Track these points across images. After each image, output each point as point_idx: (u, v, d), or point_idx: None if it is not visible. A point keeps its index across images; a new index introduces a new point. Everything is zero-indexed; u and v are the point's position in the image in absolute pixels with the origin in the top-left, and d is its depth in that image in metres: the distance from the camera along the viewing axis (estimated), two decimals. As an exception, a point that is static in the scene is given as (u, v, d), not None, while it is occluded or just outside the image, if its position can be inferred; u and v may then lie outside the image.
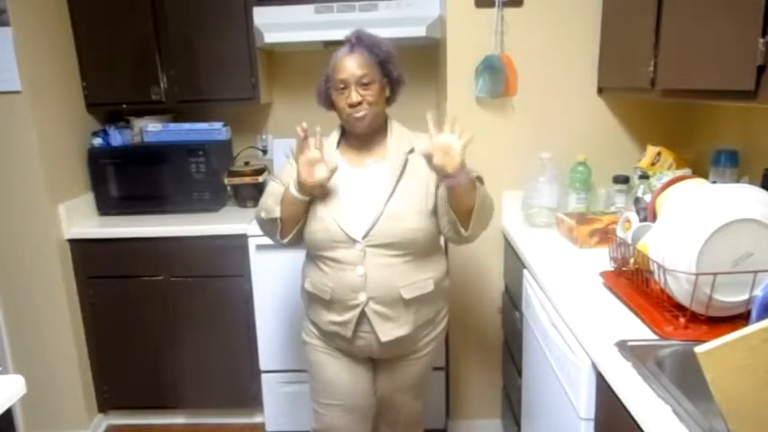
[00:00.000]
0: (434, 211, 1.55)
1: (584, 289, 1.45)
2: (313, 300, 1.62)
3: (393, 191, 1.52)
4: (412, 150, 1.56)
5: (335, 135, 1.65)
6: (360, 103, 1.49)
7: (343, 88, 1.49)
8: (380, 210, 1.50)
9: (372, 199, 1.52)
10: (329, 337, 1.62)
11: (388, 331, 1.53)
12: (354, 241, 1.49)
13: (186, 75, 2.44)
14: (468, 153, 1.66)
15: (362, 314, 1.52)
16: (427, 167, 1.44)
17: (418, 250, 1.53)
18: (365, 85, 1.49)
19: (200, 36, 2.40)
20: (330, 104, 1.59)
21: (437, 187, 1.54)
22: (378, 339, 1.54)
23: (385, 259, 1.50)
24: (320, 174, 1.48)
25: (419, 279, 1.54)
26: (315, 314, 1.63)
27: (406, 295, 1.51)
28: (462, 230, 1.49)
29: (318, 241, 1.53)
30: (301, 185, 1.49)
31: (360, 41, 1.51)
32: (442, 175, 1.41)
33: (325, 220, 1.51)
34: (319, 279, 1.56)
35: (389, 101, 1.60)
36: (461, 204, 1.45)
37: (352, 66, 1.48)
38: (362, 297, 1.50)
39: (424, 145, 1.44)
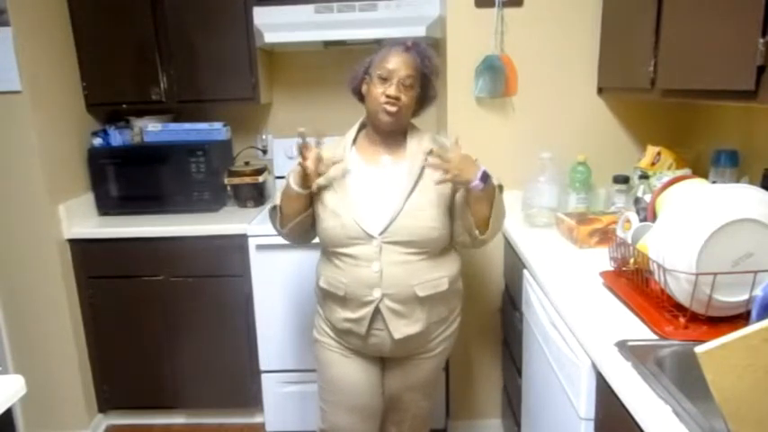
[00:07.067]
0: (450, 213, 1.58)
1: (584, 289, 1.45)
2: (327, 297, 1.63)
3: (413, 189, 1.54)
4: (431, 152, 1.58)
5: (352, 132, 1.67)
6: (398, 99, 1.51)
7: (385, 79, 1.51)
8: (400, 206, 1.52)
9: (390, 196, 1.54)
10: (343, 334, 1.62)
11: (402, 328, 1.54)
12: (371, 237, 1.50)
13: (186, 75, 2.44)
14: (469, 153, 1.68)
15: (377, 311, 1.53)
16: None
17: (434, 249, 1.56)
18: (406, 87, 1.52)
19: (200, 36, 2.40)
20: (359, 93, 1.63)
21: (454, 191, 1.57)
22: (391, 337, 1.55)
23: (401, 256, 1.51)
24: (323, 169, 1.51)
25: (434, 277, 1.55)
26: (329, 311, 1.63)
27: (421, 293, 1.53)
28: (478, 234, 1.55)
29: (334, 237, 1.54)
30: (302, 179, 1.51)
31: (416, 47, 1.56)
32: (465, 183, 1.46)
33: (341, 217, 1.53)
34: (334, 275, 1.57)
35: (415, 113, 1.64)
36: (482, 209, 1.52)
37: (402, 63, 1.51)
38: (377, 293, 1.51)
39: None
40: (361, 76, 1.60)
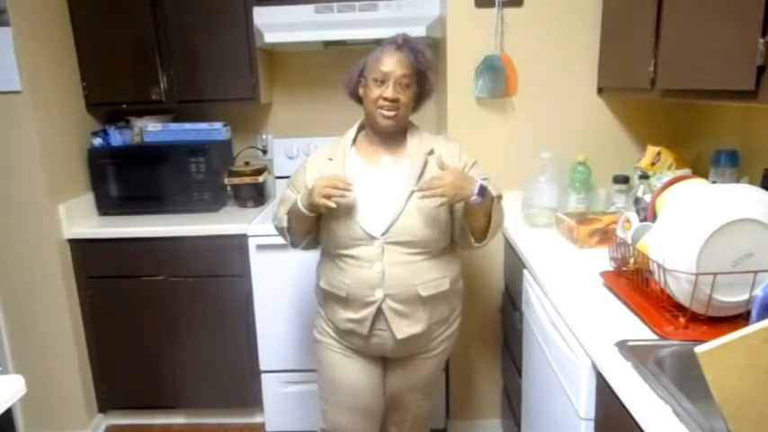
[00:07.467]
0: (450, 212, 1.58)
1: (584, 289, 1.45)
2: (329, 298, 1.63)
3: (414, 190, 1.53)
4: (431, 152, 1.59)
5: (351, 133, 1.66)
6: (395, 101, 1.50)
7: (381, 81, 1.50)
8: (401, 207, 1.51)
9: (392, 197, 1.53)
10: (345, 335, 1.62)
11: (404, 328, 1.54)
12: (373, 238, 1.50)
13: (186, 75, 2.44)
14: (470, 153, 1.68)
15: (379, 311, 1.53)
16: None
17: (435, 249, 1.56)
18: (403, 86, 1.51)
19: (200, 36, 2.40)
20: (356, 95, 1.61)
21: None
22: (393, 337, 1.55)
23: (403, 257, 1.51)
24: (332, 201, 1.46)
25: (435, 277, 1.55)
26: (331, 312, 1.63)
27: (423, 293, 1.53)
28: (473, 241, 1.57)
29: (337, 239, 1.54)
30: (310, 203, 1.49)
31: (407, 44, 1.54)
32: (464, 200, 1.46)
33: (342, 218, 1.52)
34: (336, 276, 1.57)
35: (413, 110, 1.62)
36: (477, 220, 1.53)
37: (396, 63, 1.50)
38: (379, 294, 1.51)
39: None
40: (357, 78, 1.59)
